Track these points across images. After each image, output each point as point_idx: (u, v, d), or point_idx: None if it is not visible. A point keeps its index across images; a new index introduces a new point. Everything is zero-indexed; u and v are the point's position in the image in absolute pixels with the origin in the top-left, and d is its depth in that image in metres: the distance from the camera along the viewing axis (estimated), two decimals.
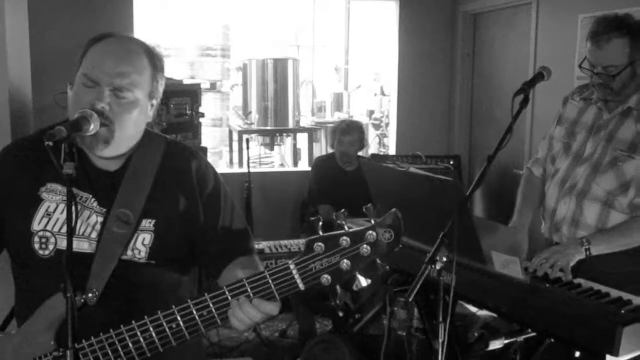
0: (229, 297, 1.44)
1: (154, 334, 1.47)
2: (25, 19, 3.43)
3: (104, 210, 1.60)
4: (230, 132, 6.72)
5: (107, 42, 1.59)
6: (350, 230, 1.37)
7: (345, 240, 1.36)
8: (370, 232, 1.35)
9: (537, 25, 4.73)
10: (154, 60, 1.62)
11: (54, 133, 1.33)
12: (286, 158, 7.71)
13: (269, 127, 6.45)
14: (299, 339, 4.21)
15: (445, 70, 5.94)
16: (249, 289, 1.42)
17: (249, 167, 4.67)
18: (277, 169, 7.30)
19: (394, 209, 1.36)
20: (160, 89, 1.65)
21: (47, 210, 1.59)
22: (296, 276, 1.40)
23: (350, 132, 4.62)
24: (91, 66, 1.55)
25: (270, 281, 1.41)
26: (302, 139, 7.33)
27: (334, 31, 10.47)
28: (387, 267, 1.39)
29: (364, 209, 1.38)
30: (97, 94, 1.51)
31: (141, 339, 1.48)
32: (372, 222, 1.37)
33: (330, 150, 4.99)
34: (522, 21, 5.00)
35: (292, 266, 1.40)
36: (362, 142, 4.72)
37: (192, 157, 1.73)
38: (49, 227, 1.58)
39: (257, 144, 6.90)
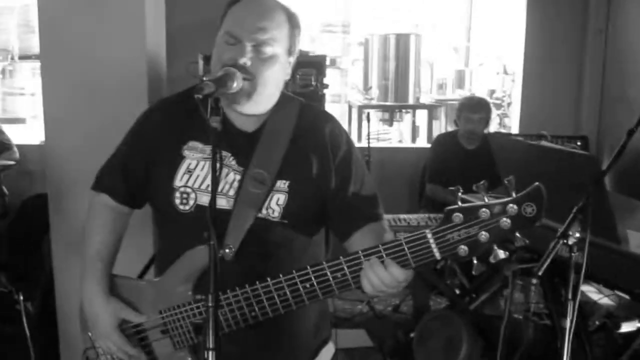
0: (364, 261, 1.45)
1: (288, 292, 1.51)
2: None
3: (242, 169, 1.65)
4: (350, 108, 6.74)
5: (246, 2, 1.65)
6: (491, 202, 1.35)
7: (485, 212, 1.35)
8: (511, 205, 1.33)
9: None
10: (291, 16, 1.66)
11: (203, 87, 1.39)
12: (404, 135, 7.66)
13: (388, 103, 6.41)
14: (413, 315, 4.21)
15: (575, 47, 5.67)
16: (384, 255, 1.43)
17: (369, 141, 4.67)
18: (395, 144, 7.26)
19: (537, 183, 1.33)
20: (298, 45, 1.69)
21: (188, 167, 1.67)
22: (433, 245, 1.40)
23: (479, 110, 4.51)
24: (233, 24, 1.61)
25: (406, 249, 1.42)
26: (422, 115, 7.24)
27: (455, 8, 10.23)
28: (527, 241, 1.36)
29: (505, 181, 1.35)
30: (239, 50, 1.57)
31: (275, 296, 1.52)
32: (514, 195, 1.34)
33: (450, 129, 4.91)
34: None
35: (429, 235, 1.40)
36: (488, 121, 4.61)
37: (326, 120, 1.77)
38: (189, 184, 1.66)
39: (375, 120, 6.88)
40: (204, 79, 1.42)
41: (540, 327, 3.77)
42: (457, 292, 4.10)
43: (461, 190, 1.39)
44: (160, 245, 1.82)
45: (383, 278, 1.43)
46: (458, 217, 1.37)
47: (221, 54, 1.60)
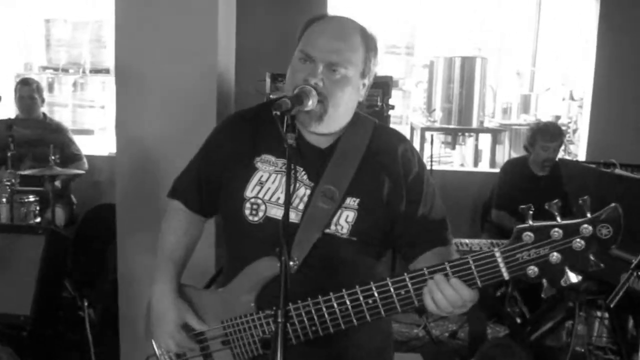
0: (428, 278, 1.43)
1: (350, 307, 1.50)
2: (233, 12, 3.65)
3: (312, 184, 1.66)
4: (412, 130, 6.71)
5: (323, 22, 1.67)
6: (564, 222, 1.31)
7: (557, 232, 1.30)
8: (585, 225, 1.29)
9: None
10: (368, 40, 1.66)
11: (281, 104, 1.40)
12: (466, 158, 7.57)
13: (451, 126, 6.35)
14: (469, 342, 4.14)
15: None
16: (450, 273, 1.41)
17: (431, 163, 4.65)
18: (457, 168, 7.18)
19: (614, 204, 1.28)
20: (373, 69, 1.69)
21: (260, 179, 1.68)
22: (501, 264, 1.36)
23: (557, 138, 4.42)
24: (307, 43, 1.62)
25: (473, 267, 1.39)
26: (485, 140, 7.14)
27: (521, 32, 10.10)
28: (602, 265, 1.31)
29: (580, 201, 1.31)
30: (311, 70, 1.58)
31: (337, 311, 1.51)
32: (589, 215, 1.30)
33: (514, 154, 4.83)
34: None
35: (497, 254, 1.36)
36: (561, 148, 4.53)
37: (399, 141, 1.76)
38: (260, 195, 1.67)
39: (437, 143, 6.82)
40: (272, 96, 1.45)
41: None
42: (518, 320, 4.00)
43: (532, 209, 1.34)
44: (227, 255, 1.84)
45: (448, 295, 1.40)
46: (528, 236, 1.33)
47: (294, 73, 1.62)
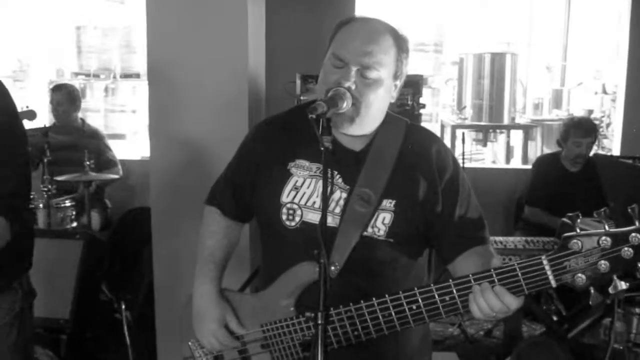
0: (474, 285, 1.42)
1: (393, 313, 1.50)
2: (263, 14, 3.67)
3: (348, 187, 1.65)
4: (442, 127, 6.68)
5: (354, 24, 1.66)
6: (613, 230, 1.30)
7: (606, 240, 1.30)
8: (635, 234, 1.28)
9: None
10: (399, 40, 1.65)
11: (316, 107, 1.41)
12: (498, 155, 7.51)
13: (482, 123, 6.31)
14: (504, 340, 4.10)
15: None
16: (496, 280, 1.40)
17: (463, 161, 4.61)
18: (489, 165, 7.12)
19: None
20: (405, 69, 1.68)
21: (295, 184, 1.68)
22: (548, 272, 1.36)
23: (590, 134, 4.36)
24: (340, 46, 1.61)
25: (519, 274, 1.38)
26: (516, 136, 7.08)
27: (551, 26, 9.98)
28: None
29: (629, 210, 1.29)
30: (344, 73, 1.58)
31: (380, 316, 1.51)
32: (637, 224, 1.28)
33: (546, 149, 4.77)
34: None
35: (545, 261, 1.36)
36: (594, 143, 4.46)
37: (432, 140, 1.75)
38: (296, 200, 1.67)
39: (468, 140, 6.77)
40: (302, 97, 1.44)
41: None
42: (554, 318, 3.96)
43: (580, 216, 1.33)
44: (264, 260, 1.85)
45: (494, 305, 1.40)
46: (577, 244, 1.32)
47: (327, 75, 1.61)
